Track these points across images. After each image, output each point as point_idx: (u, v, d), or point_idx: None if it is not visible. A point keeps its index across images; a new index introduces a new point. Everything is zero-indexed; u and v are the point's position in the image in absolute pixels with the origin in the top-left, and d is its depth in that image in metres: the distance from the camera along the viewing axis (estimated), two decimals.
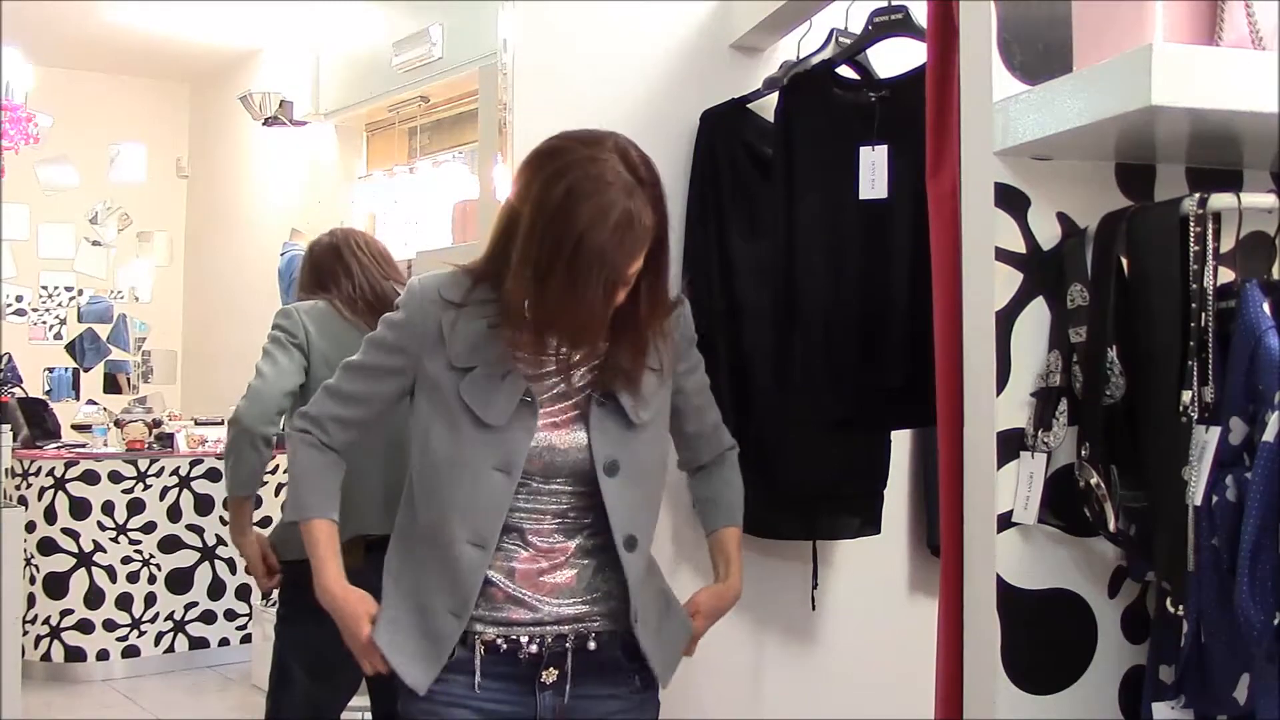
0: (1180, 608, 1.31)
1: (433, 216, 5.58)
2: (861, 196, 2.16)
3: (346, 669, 2.44)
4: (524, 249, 1.57)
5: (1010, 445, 1.48)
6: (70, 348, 7.18)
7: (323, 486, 1.79)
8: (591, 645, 1.70)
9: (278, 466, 3.82)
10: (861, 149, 2.16)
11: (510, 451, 1.66)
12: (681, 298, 1.87)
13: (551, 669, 1.69)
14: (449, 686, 1.67)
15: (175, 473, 5.43)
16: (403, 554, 1.76)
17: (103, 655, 5.26)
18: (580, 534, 1.71)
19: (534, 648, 1.67)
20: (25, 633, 5.03)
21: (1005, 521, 1.47)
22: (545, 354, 1.69)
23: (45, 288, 7.15)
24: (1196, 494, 1.26)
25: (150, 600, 5.34)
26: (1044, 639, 1.47)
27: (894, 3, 2.25)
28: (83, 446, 5.57)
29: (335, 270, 2.75)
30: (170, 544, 5.39)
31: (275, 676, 2.61)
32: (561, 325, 1.61)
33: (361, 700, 2.72)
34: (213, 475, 5.50)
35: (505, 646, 1.67)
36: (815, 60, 2.39)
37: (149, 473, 5.37)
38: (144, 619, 5.32)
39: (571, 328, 1.62)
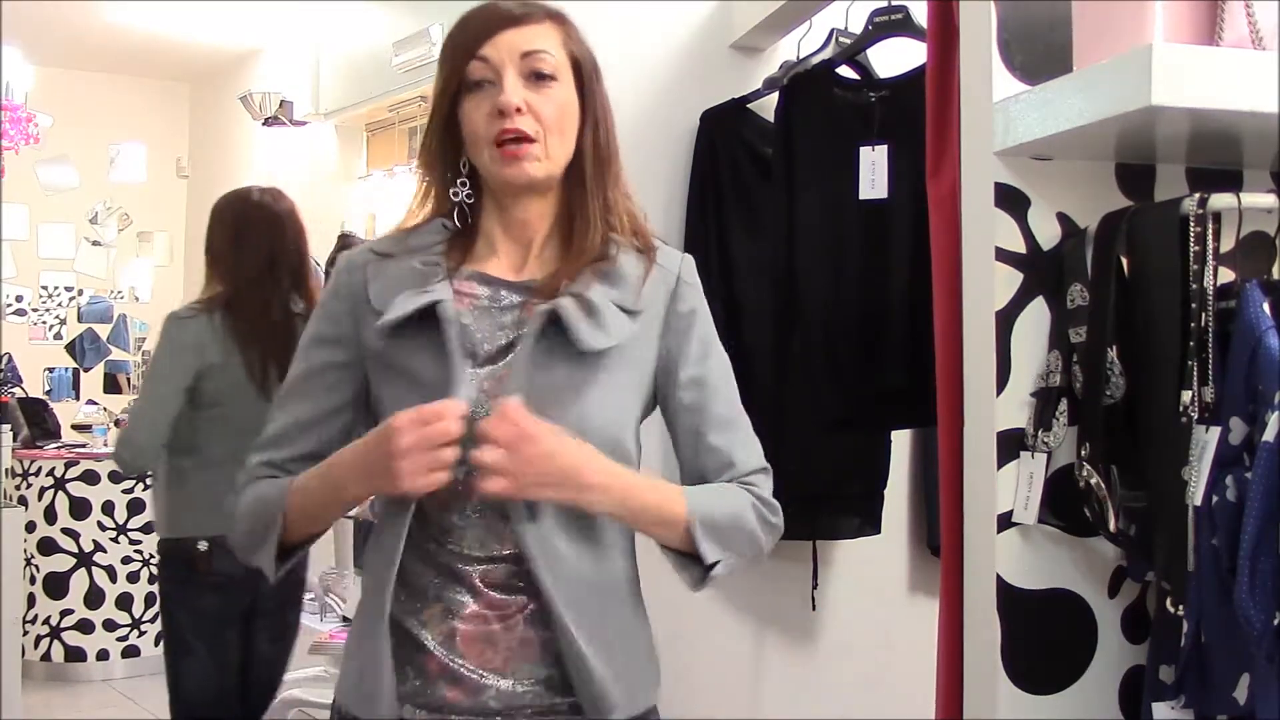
0: (1180, 608, 1.31)
1: None
2: (861, 196, 2.16)
3: (231, 630, 2.78)
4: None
5: (1010, 445, 1.48)
6: (70, 348, 7.17)
7: (266, 494, 1.36)
8: None
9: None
10: (861, 149, 2.16)
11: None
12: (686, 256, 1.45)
13: None
14: None
15: None
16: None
17: (103, 655, 5.25)
18: None
19: None
20: (25, 633, 5.03)
21: (1005, 521, 1.47)
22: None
23: (45, 288, 7.14)
24: (1196, 494, 1.26)
25: (150, 600, 5.33)
26: (1044, 639, 1.47)
27: (894, 3, 2.25)
28: (83, 446, 5.57)
29: None
30: None
31: (172, 648, 2.77)
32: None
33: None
34: None
35: None
36: (815, 60, 2.39)
37: (149, 473, 5.36)
38: (144, 619, 5.31)
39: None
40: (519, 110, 1.29)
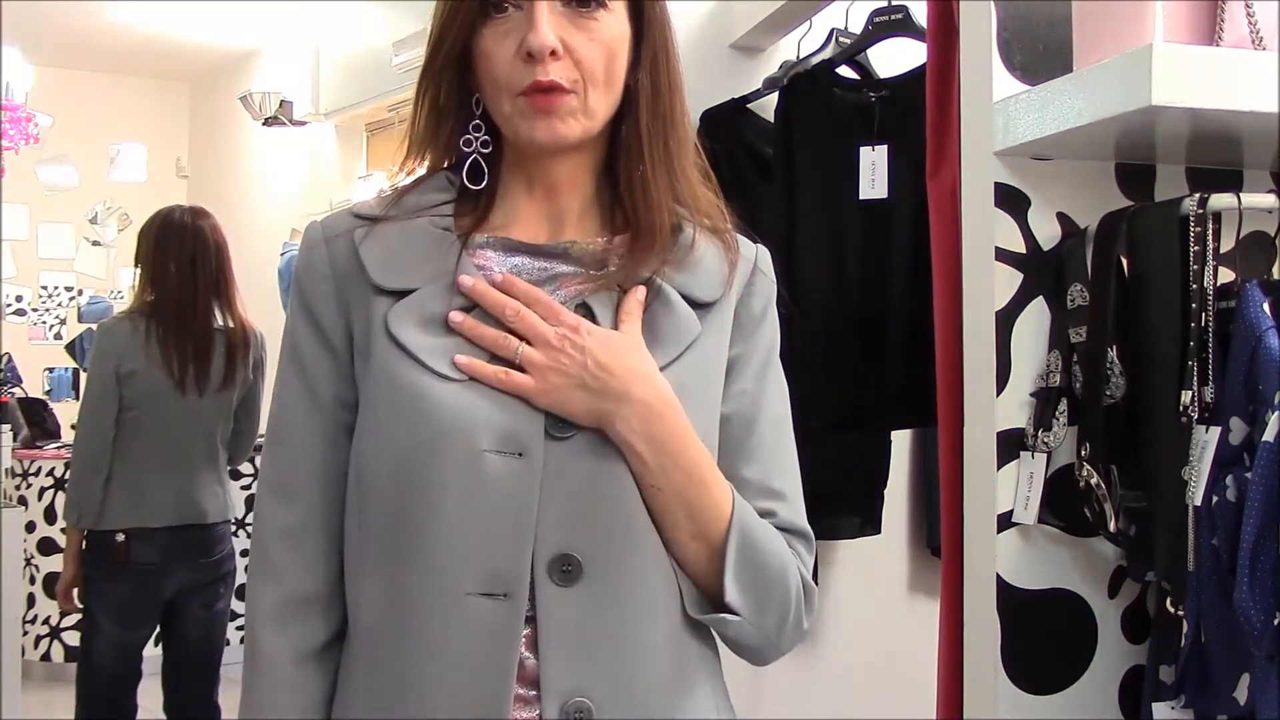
0: (1180, 608, 1.31)
1: None
2: (861, 196, 2.16)
3: (145, 617, 3.08)
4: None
5: (1010, 445, 1.48)
6: (70, 348, 7.17)
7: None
8: None
9: None
10: (861, 149, 2.16)
11: (501, 410, 0.99)
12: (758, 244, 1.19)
13: None
14: None
15: None
16: (351, 673, 1.05)
17: None
18: None
19: None
20: (25, 633, 5.03)
21: (1005, 521, 1.47)
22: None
23: (45, 288, 7.15)
24: (1196, 494, 1.26)
25: None
26: (1044, 639, 1.47)
27: (894, 3, 2.25)
28: None
29: None
30: None
31: (86, 627, 3.05)
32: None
33: None
34: None
35: None
36: (815, 60, 2.39)
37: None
38: None
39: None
40: (554, 54, 1.00)
